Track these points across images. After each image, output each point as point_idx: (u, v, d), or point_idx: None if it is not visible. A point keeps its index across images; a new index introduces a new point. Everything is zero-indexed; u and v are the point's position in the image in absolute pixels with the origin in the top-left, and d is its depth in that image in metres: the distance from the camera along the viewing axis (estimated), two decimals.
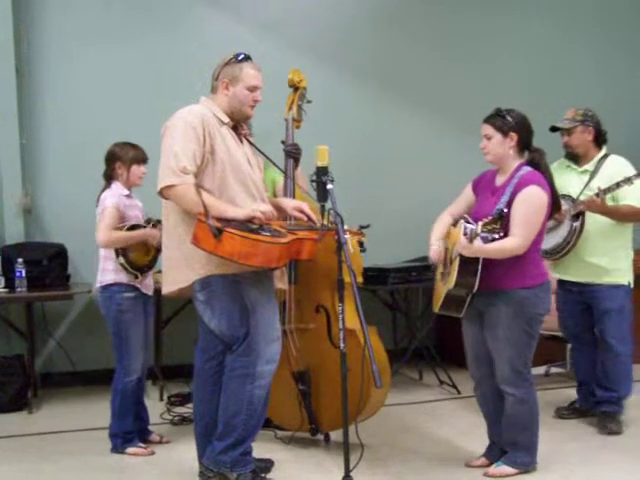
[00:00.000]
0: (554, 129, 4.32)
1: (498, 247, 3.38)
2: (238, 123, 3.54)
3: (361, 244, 5.04)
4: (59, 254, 5.25)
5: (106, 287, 4.01)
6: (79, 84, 5.56)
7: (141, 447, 4.07)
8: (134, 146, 4.11)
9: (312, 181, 3.53)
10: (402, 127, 6.18)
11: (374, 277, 5.22)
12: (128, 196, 4.07)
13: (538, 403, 3.67)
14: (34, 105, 5.52)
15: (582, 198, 4.21)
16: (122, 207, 3.99)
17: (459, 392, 5.15)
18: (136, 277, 4.00)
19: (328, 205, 3.42)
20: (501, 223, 3.27)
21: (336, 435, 4.06)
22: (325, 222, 3.45)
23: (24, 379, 5.07)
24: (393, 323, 6.09)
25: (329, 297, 3.94)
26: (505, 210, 3.34)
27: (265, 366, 3.43)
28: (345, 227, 3.41)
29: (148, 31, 5.70)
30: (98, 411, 4.77)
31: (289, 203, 3.64)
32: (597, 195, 4.09)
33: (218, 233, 3.10)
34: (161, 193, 3.33)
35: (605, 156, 4.33)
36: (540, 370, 5.47)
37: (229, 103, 3.46)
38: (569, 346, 5.16)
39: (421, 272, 5.25)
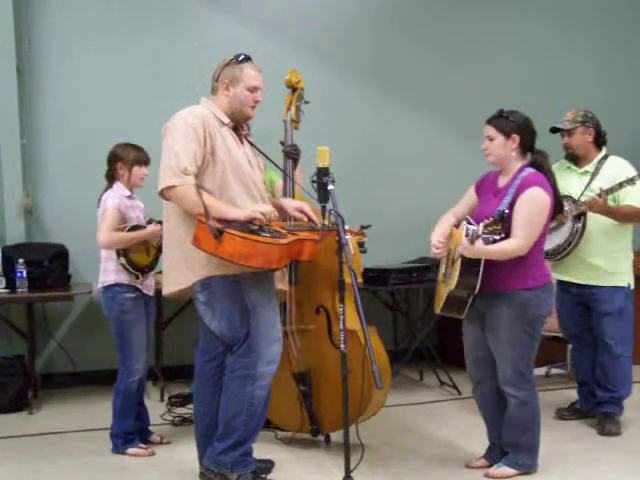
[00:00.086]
0: (554, 130, 4.32)
1: (500, 248, 3.38)
2: (238, 124, 3.55)
3: (361, 245, 5.05)
4: (60, 255, 5.25)
5: (108, 288, 4.01)
6: (80, 84, 5.56)
7: (142, 448, 4.07)
8: (136, 147, 4.11)
9: (313, 182, 3.53)
10: (402, 127, 6.18)
11: (375, 278, 5.22)
12: (129, 197, 4.08)
13: (540, 405, 3.67)
14: (35, 105, 5.52)
15: (583, 199, 4.22)
16: (123, 208, 4.00)
17: (460, 393, 5.15)
18: (137, 277, 4.01)
19: (329, 206, 3.42)
20: (502, 224, 3.27)
21: (337, 436, 4.06)
22: (326, 223, 3.45)
23: (24, 379, 5.08)
24: (394, 324, 6.09)
25: (329, 298, 3.94)
26: (507, 211, 3.34)
27: (266, 367, 3.43)
28: (346, 227, 3.41)
29: (149, 31, 5.70)
30: (98, 412, 4.78)
31: (290, 203, 3.65)
32: (599, 196, 4.09)
33: (218, 234, 3.10)
34: (162, 194, 3.33)
35: (605, 157, 4.33)
36: (541, 371, 5.47)
37: (230, 104, 3.47)
38: (570, 347, 5.16)
39: (422, 273, 5.26)
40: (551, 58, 6.44)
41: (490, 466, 3.72)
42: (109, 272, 4.02)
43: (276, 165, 3.90)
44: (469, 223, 3.43)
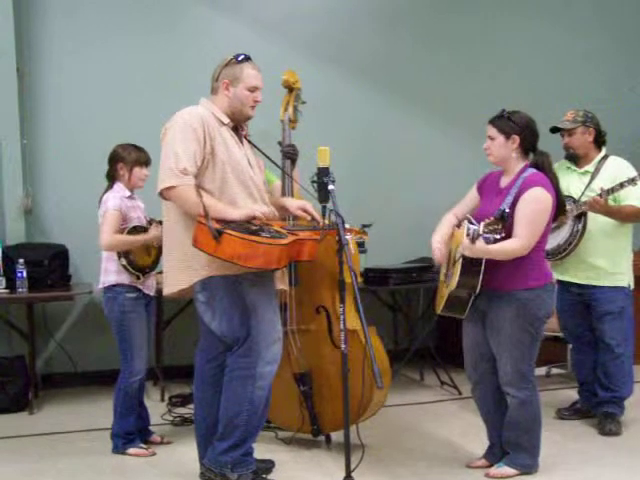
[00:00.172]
0: (554, 130, 4.32)
1: (501, 248, 3.38)
2: (238, 124, 3.55)
3: (361, 244, 5.06)
4: (60, 255, 5.25)
5: (109, 288, 4.02)
6: (80, 84, 5.56)
7: (142, 448, 4.07)
8: (137, 148, 4.11)
9: (313, 182, 3.53)
10: (403, 127, 6.18)
11: (375, 278, 5.22)
12: (130, 197, 4.08)
13: (541, 405, 3.66)
14: (35, 105, 5.52)
15: (583, 199, 4.22)
16: (124, 208, 4.00)
17: (460, 393, 5.14)
18: (138, 278, 4.01)
19: (329, 206, 3.42)
20: (503, 223, 3.26)
21: (337, 436, 4.06)
22: (327, 222, 3.45)
23: (25, 380, 5.08)
24: (394, 324, 6.10)
25: (329, 298, 3.94)
26: (507, 211, 3.34)
27: (266, 367, 3.43)
28: (347, 226, 3.41)
29: (149, 31, 5.70)
30: (99, 412, 4.79)
31: (293, 203, 3.65)
32: (600, 196, 4.09)
33: (218, 235, 3.10)
34: (161, 194, 3.34)
35: (605, 157, 4.34)
36: (541, 371, 5.47)
37: (230, 104, 3.47)
38: (570, 347, 5.16)
39: (422, 273, 5.25)
40: (552, 58, 6.45)
41: (490, 466, 3.72)
42: (110, 272, 4.02)
43: (277, 165, 3.90)
44: (470, 223, 3.43)
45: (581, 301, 4.36)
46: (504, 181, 3.62)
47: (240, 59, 3.46)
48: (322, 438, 4.15)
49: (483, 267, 3.41)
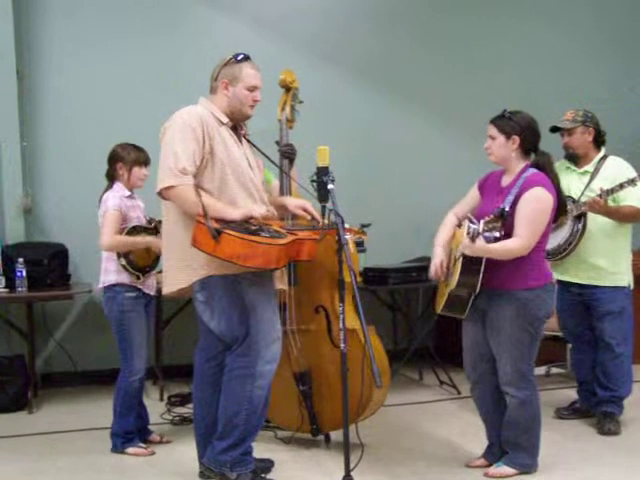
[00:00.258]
0: (554, 129, 4.32)
1: (501, 247, 3.38)
2: (237, 123, 3.55)
3: (360, 244, 5.06)
4: (59, 254, 5.25)
5: (109, 287, 4.02)
6: (79, 85, 5.57)
7: (141, 447, 4.07)
8: (136, 147, 4.12)
9: (312, 181, 3.53)
10: (402, 127, 6.18)
11: (374, 277, 5.22)
12: (130, 197, 4.08)
13: (540, 405, 3.67)
14: (35, 107, 5.52)
15: (583, 199, 4.22)
16: (124, 208, 4.00)
17: (459, 392, 5.15)
18: (138, 278, 4.01)
19: (329, 205, 3.42)
20: (503, 221, 3.26)
21: (336, 435, 4.06)
22: (326, 222, 3.45)
23: (24, 379, 5.08)
24: (393, 323, 6.10)
25: (328, 297, 3.94)
26: (507, 209, 3.33)
27: (265, 366, 3.43)
28: (346, 226, 3.41)
29: (148, 31, 5.70)
30: (98, 411, 4.79)
31: (292, 202, 3.65)
32: (600, 196, 4.10)
33: (217, 234, 3.10)
34: (160, 194, 3.34)
35: (604, 157, 4.34)
36: (540, 370, 5.47)
37: (229, 103, 3.47)
38: (569, 346, 5.16)
39: (421, 272, 5.24)
40: (551, 58, 6.45)
41: (490, 465, 3.72)
42: (110, 272, 4.02)
43: (276, 165, 3.91)
44: (471, 222, 3.43)
45: (581, 301, 4.36)
46: (505, 180, 3.62)
47: (239, 58, 3.46)
48: (321, 437, 4.15)
49: (483, 266, 3.41)
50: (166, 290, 3.51)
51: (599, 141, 4.35)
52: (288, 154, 4.05)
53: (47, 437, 4.44)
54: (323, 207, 3.48)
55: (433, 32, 6.28)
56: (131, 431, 4.07)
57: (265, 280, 3.47)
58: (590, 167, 4.33)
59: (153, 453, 4.07)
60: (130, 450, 4.05)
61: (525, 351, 3.55)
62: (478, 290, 3.45)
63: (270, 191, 4.15)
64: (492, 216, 3.28)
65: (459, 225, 3.64)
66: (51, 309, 5.52)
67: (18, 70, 5.37)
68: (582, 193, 4.27)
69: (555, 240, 4.23)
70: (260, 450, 3.78)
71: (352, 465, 3.24)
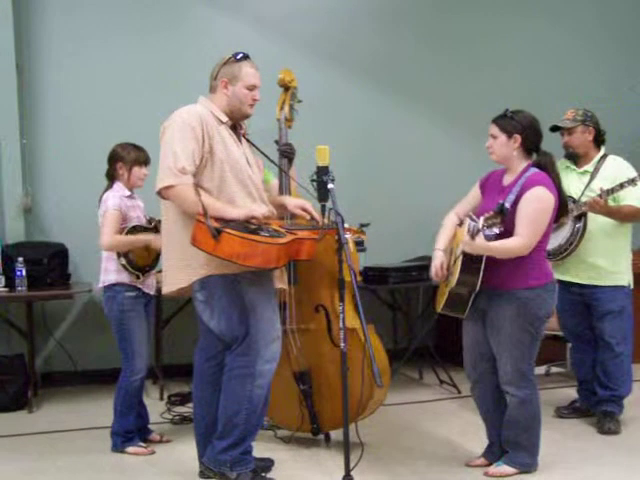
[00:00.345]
0: (554, 129, 4.32)
1: (502, 246, 3.38)
2: (237, 122, 3.55)
3: (360, 243, 5.06)
4: (59, 253, 5.25)
5: (109, 287, 4.02)
6: (79, 83, 5.56)
7: (141, 446, 4.07)
8: (136, 147, 4.11)
9: (312, 181, 3.53)
10: (403, 126, 6.18)
11: (374, 276, 5.22)
12: (130, 197, 4.08)
13: (540, 404, 3.66)
14: (35, 104, 5.52)
15: (583, 199, 4.22)
16: (124, 208, 4.00)
17: (459, 391, 5.15)
18: (137, 277, 4.01)
19: (329, 205, 3.42)
20: (502, 217, 3.25)
21: (336, 434, 4.06)
22: (326, 221, 3.45)
23: (24, 378, 5.08)
24: (393, 322, 6.10)
25: (328, 296, 3.94)
26: (507, 205, 3.32)
27: (265, 365, 3.43)
28: (345, 225, 3.41)
29: (149, 30, 5.70)
30: (98, 410, 4.79)
31: (292, 201, 3.65)
32: (600, 196, 4.09)
33: (217, 234, 3.10)
34: (160, 193, 3.34)
35: (604, 156, 4.34)
36: (540, 370, 5.47)
37: (228, 102, 3.47)
38: (569, 345, 5.16)
39: (421, 271, 5.24)
40: (552, 57, 6.44)
41: (490, 465, 3.72)
42: (110, 272, 4.02)
43: (276, 164, 3.90)
44: (472, 220, 3.43)
45: (581, 301, 4.36)
46: (507, 179, 3.62)
47: (239, 57, 3.46)
48: (321, 437, 4.15)
49: (483, 265, 3.41)
50: (166, 290, 3.51)
51: (599, 140, 4.35)
52: (287, 153, 4.05)
53: (47, 436, 4.44)
54: (323, 206, 3.48)
55: (436, 31, 6.27)
56: (131, 430, 4.07)
57: (265, 279, 3.46)
58: (590, 167, 4.33)
59: (153, 452, 4.07)
60: (130, 449, 4.05)
61: (525, 351, 3.55)
62: (478, 288, 3.45)
63: (269, 190, 4.15)
64: (492, 212, 3.28)
65: (460, 224, 3.64)
66: (51, 308, 5.52)
67: (18, 66, 5.36)
68: (582, 193, 4.27)
69: (556, 240, 4.22)
70: (260, 449, 3.78)
71: (352, 464, 3.24)
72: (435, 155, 6.23)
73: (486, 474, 3.67)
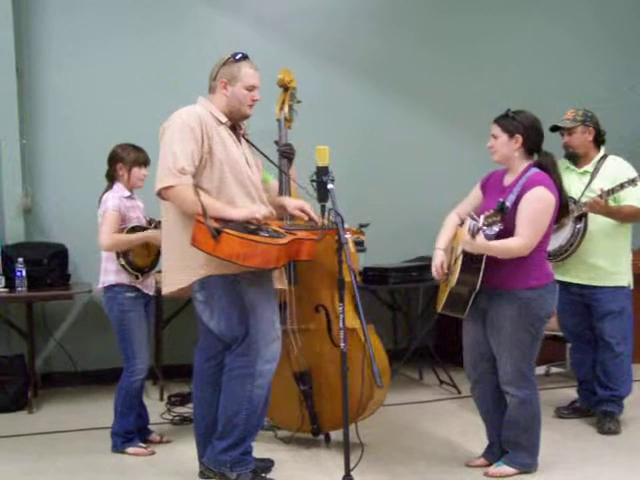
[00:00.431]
0: (554, 129, 4.32)
1: (502, 245, 3.38)
2: (236, 123, 3.55)
3: (360, 244, 5.06)
4: (59, 254, 5.25)
5: (108, 288, 4.02)
6: (79, 84, 5.56)
7: (141, 447, 4.07)
8: (136, 148, 4.12)
9: (312, 181, 3.53)
10: (403, 126, 6.18)
11: (374, 277, 5.21)
12: (129, 197, 4.08)
13: (540, 405, 3.66)
14: (35, 105, 5.52)
15: (583, 199, 4.22)
16: (123, 209, 4.00)
17: (459, 392, 5.15)
18: (137, 278, 4.01)
19: (328, 205, 3.42)
20: (502, 215, 3.25)
21: (336, 435, 4.06)
22: (325, 222, 3.45)
23: (24, 379, 5.08)
24: (393, 323, 6.10)
25: (328, 296, 3.94)
26: (507, 204, 3.32)
27: (265, 365, 3.43)
28: (345, 226, 3.41)
29: (149, 31, 5.69)
30: (98, 411, 4.79)
31: (291, 202, 3.66)
32: (600, 197, 4.09)
33: (216, 234, 3.10)
34: (159, 194, 3.34)
35: (604, 157, 4.34)
36: (540, 370, 5.47)
37: (228, 103, 3.47)
38: (569, 346, 5.16)
39: (421, 272, 5.24)
40: (552, 57, 6.45)
41: (489, 465, 3.72)
42: (110, 272, 4.02)
43: (275, 165, 3.90)
44: (473, 219, 3.43)
45: (581, 301, 4.36)
46: (507, 179, 3.62)
47: (238, 58, 3.46)
48: (321, 437, 4.15)
49: (484, 264, 3.41)
50: (166, 290, 3.51)
51: (599, 140, 4.35)
52: (287, 154, 4.04)
53: (47, 437, 4.44)
54: (323, 207, 3.48)
55: (436, 31, 6.27)
56: (131, 431, 4.07)
57: (264, 280, 3.46)
58: (590, 167, 4.33)
59: (153, 453, 4.07)
60: (130, 450, 4.05)
61: (526, 351, 3.55)
62: (478, 288, 3.45)
63: (268, 190, 4.15)
64: (492, 210, 3.28)
65: (461, 224, 3.64)
66: (51, 309, 5.52)
67: (18, 67, 5.36)
68: (582, 193, 4.27)
69: (556, 241, 4.22)
70: (260, 450, 3.78)
71: (352, 465, 3.25)
72: (435, 155, 6.22)
73: (486, 474, 3.67)
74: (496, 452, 3.74)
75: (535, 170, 3.53)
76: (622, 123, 5.93)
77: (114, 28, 5.63)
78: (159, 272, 3.75)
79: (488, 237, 3.32)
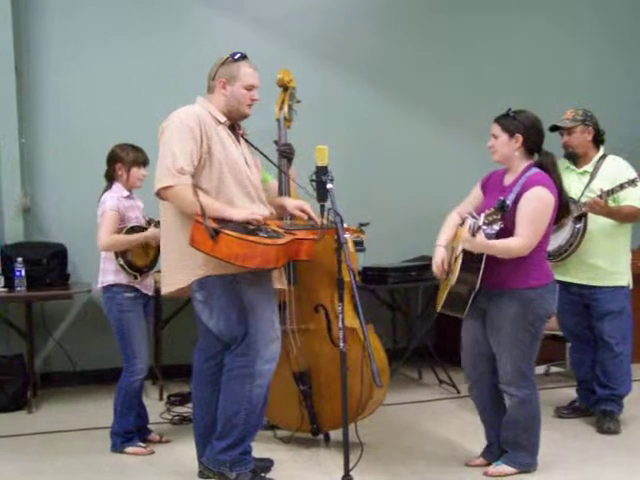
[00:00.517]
0: (554, 128, 4.32)
1: (501, 245, 3.38)
2: (235, 122, 3.54)
3: (359, 243, 5.06)
4: (58, 254, 5.25)
5: (107, 288, 4.02)
6: (78, 84, 5.56)
7: (141, 447, 4.07)
8: (135, 148, 4.11)
9: (312, 181, 3.53)
10: (402, 126, 6.17)
11: (374, 276, 5.21)
12: (128, 197, 4.08)
13: (540, 404, 3.66)
14: (34, 105, 5.51)
15: (583, 200, 4.22)
16: (122, 209, 4.00)
17: (458, 391, 5.15)
18: (135, 278, 4.00)
19: (328, 205, 3.42)
20: (502, 213, 3.25)
21: (336, 434, 4.06)
22: (325, 221, 3.45)
23: (23, 379, 5.07)
24: (392, 322, 6.09)
25: (328, 296, 3.94)
26: (508, 202, 3.32)
27: (264, 365, 3.43)
28: (344, 225, 3.41)
29: (148, 31, 5.69)
30: (97, 411, 4.79)
31: (291, 202, 3.66)
32: (600, 197, 4.09)
33: (215, 234, 3.10)
34: (158, 194, 3.33)
35: (603, 156, 4.34)
36: (540, 369, 5.47)
37: (227, 102, 3.46)
38: (569, 345, 5.16)
39: (421, 271, 5.25)
40: (551, 57, 6.44)
41: (489, 464, 3.72)
42: (108, 272, 4.02)
43: (275, 164, 3.90)
44: (473, 217, 3.42)
45: (580, 301, 4.36)
46: (508, 179, 3.62)
47: (237, 57, 3.46)
48: (321, 437, 4.15)
49: (483, 264, 3.40)
50: (165, 290, 3.51)
51: (598, 140, 4.35)
52: (286, 154, 4.05)
53: (46, 437, 4.44)
54: (322, 206, 3.48)
55: (434, 32, 6.27)
56: (131, 430, 4.07)
57: (264, 280, 3.46)
58: (589, 167, 4.33)
59: (152, 452, 4.07)
60: (129, 449, 4.05)
61: (526, 350, 3.55)
62: (478, 287, 3.44)
63: (267, 190, 4.15)
64: (492, 209, 3.28)
65: (462, 223, 3.64)
66: (50, 309, 5.51)
67: (17, 66, 5.36)
68: (582, 193, 4.27)
69: (556, 242, 4.22)
70: (259, 449, 3.78)
71: (352, 464, 3.24)
72: (434, 155, 6.22)
73: (485, 474, 3.67)
74: (495, 452, 3.74)
75: (535, 170, 3.53)
76: (622, 123, 5.93)
77: (113, 28, 5.63)
78: (158, 272, 3.75)
79: (488, 236, 3.32)
